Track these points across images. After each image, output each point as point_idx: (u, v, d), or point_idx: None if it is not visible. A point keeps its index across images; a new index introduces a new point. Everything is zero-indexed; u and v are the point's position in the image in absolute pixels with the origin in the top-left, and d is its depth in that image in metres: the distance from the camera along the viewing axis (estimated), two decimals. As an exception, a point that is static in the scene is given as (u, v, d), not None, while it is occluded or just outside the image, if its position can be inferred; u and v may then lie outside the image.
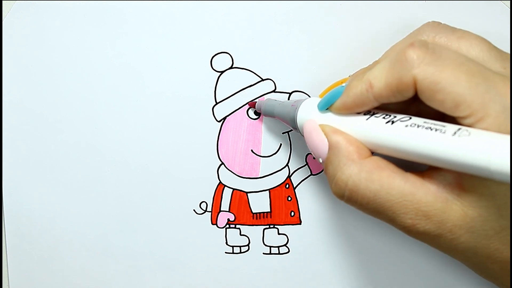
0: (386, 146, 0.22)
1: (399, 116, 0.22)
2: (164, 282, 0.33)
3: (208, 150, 0.32)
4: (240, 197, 0.32)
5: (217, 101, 0.31)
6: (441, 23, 0.25)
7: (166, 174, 0.32)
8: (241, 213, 0.32)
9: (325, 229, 0.32)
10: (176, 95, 0.31)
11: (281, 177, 0.32)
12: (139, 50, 0.31)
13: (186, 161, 0.32)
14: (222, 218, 0.33)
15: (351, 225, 0.32)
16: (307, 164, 0.32)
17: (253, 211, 0.32)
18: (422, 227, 0.22)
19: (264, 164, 0.32)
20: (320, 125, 0.25)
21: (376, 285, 0.33)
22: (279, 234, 0.32)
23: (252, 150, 0.32)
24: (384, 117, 0.22)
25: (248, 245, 0.33)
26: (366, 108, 0.23)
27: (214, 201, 0.32)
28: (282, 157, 0.32)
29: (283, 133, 0.32)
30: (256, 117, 0.31)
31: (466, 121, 0.20)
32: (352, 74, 0.26)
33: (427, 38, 0.24)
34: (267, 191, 0.32)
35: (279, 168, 0.32)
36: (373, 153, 0.23)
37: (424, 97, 0.21)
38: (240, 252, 0.33)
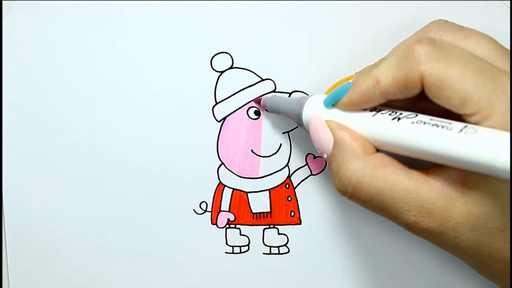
0: (392, 143, 0.22)
1: (405, 113, 0.22)
2: (164, 282, 0.33)
3: (208, 150, 0.32)
4: (240, 197, 0.32)
5: (217, 101, 0.31)
6: (448, 21, 0.25)
7: (166, 174, 0.32)
8: (241, 213, 0.32)
9: (325, 229, 0.32)
10: (176, 95, 0.31)
11: (281, 177, 0.32)
12: (139, 50, 0.31)
13: (186, 161, 0.32)
14: (222, 218, 0.33)
15: (351, 225, 0.32)
16: (307, 164, 0.32)
17: (253, 211, 0.32)
18: (425, 224, 0.21)
19: (264, 164, 0.32)
20: (326, 121, 0.25)
21: (377, 285, 0.33)
22: (279, 234, 0.32)
23: (252, 150, 0.32)
24: (390, 114, 0.22)
25: (248, 245, 0.33)
26: (372, 105, 0.23)
27: (214, 201, 0.32)
28: (282, 157, 0.32)
29: (283, 133, 0.32)
30: (256, 117, 0.31)
31: (472, 119, 0.20)
32: (358, 71, 0.26)
33: (434, 36, 0.24)
34: (267, 191, 0.32)
35: (279, 168, 0.32)
36: (378, 150, 0.23)
37: (430, 94, 0.21)
38: (240, 252, 0.33)
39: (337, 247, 0.32)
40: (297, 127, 0.31)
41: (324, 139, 0.24)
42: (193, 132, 0.32)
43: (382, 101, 0.23)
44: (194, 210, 0.32)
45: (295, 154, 0.32)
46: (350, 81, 0.24)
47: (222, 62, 0.31)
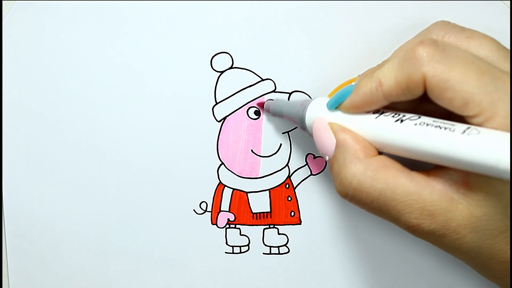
0: (395, 145, 0.22)
1: (408, 115, 0.22)
2: (164, 282, 0.33)
3: (208, 150, 0.32)
4: (240, 197, 0.32)
5: (217, 101, 0.31)
6: (450, 22, 0.25)
7: (166, 174, 0.32)
8: (241, 213, 0.32)
9: (325, 229, 0.32)
10: (176, 95, 0.31)
11: (281, 177, 0.32)
12: (139, 50, 0.31)
13: (186, 161, 0.32)
14: (222, 218, 0.33)
15: (352, 225, 0.32)
16: (307, 164, 0.32)
17: (253, 211, 0.32)
18: (427, 226, 0.21)
19: (264, 164, 0.32)
20: (328, 123, 0.25)
21: (377, 285, 0.33)
22: (279, 234, 0.32)
23: (252, 150, 0.32)
24: (393, 116, 0.22)
25: (248, 245, 0.33)
26: (375, 107, 0.23)
27: (214, 201, 0.32)
28: (282, 157, 0.32)
29: (283, 133, 0.32)
30: (256, 117, 0.31)
31: (475, 120, 0.20)
32: (361, 74, 0.26)
33: (436, 38, 0.24)
34: (267, 191, 0.32)
35: (279, 168, 0.32)
36: (380, 153, 0.23)
37: (433, 95, 0.21)
38: (240, 252, 0.33)
39: (337, 247, 0.32)
40: (297, 127, 0.31)
41: (326, 141, 0.24)
42: (193, 132, 0.32)
43: (385, 103, 0.23)
44: (194, 210, 0.32)
45: (295, 154, 0.32)
46: (353, 83, 0.24)
47: (222, 62, 0.31)
